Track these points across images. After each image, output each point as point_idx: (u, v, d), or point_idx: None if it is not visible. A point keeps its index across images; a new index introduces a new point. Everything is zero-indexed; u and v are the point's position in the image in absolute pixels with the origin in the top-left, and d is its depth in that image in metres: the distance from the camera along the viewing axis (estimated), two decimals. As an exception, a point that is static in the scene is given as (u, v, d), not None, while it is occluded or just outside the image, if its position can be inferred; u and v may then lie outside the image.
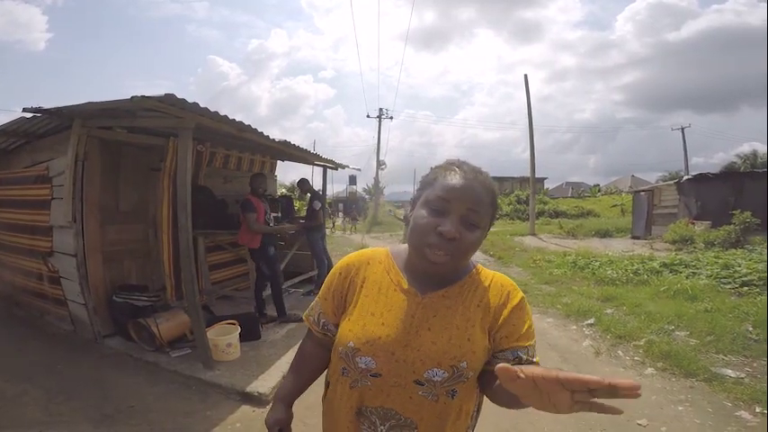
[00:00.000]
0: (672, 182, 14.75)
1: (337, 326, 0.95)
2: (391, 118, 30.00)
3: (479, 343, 0.85)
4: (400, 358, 0.84)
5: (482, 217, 0.84)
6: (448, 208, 0.82)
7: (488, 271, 0.95)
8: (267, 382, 3.07)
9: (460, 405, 0.87)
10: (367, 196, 36.48)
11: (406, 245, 0.94)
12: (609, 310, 4.92)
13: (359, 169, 8.88)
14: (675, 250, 9.52)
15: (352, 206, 22.47)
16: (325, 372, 1.04)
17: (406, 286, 0.90)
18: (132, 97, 2.63)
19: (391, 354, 0.84)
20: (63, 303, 3.94)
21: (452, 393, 0.85)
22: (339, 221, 21.39)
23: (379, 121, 28.26)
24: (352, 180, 27.20)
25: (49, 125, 3.77)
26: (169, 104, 2.83)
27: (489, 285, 0.91)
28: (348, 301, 0.94)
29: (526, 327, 0.87)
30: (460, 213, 0.81)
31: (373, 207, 27.25)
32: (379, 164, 28.60)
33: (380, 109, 28.51)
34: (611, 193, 36.28)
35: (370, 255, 0.98)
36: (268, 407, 1.29)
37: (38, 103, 3.13)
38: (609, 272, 6.89)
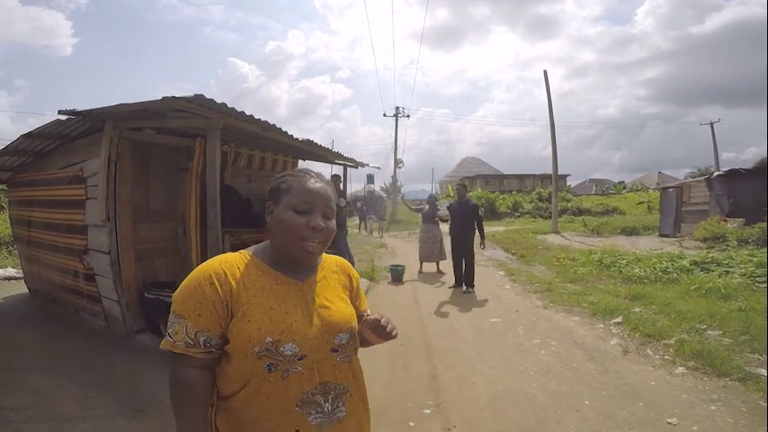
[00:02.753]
0: (702, 178, 14.27)
1: (222, 336, 0.95)
2: (408, 116, 29.98)
3: (352, 310, 1.08)
4: (312, 335, 0.96)
5: (333, 210, 1.03)
6: (312, 207, 0.98)
7: (327, 255, 1.14)
8: None
9: (358, 361, 1.09)
10: (384, 195, 36.50)
11: (262, 246, 1.06)
12: (637, 309, 4.80)
13: (378, 167, 8.91)
14: (707, 248, 9.20)
15: (377, 205, 22.24)
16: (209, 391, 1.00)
17: (285, 279, 1.01)
18: (163, 98, 2.71)
19: (305, 334, 0.95)
20: (97, 300, 4.08)
21: (354, 352, 1.07)
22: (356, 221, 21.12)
23: (396, 120, 28.30)
24: (370, 179, 27.17)
25: (82, 127, 3.91)
26: (198, 105, 2.91)
27: (338, 268, 1.13)
28: (234, 306, 0.94)
29: (363, 294, 1.22)
30: (321, 210, 0.99)
31: (391, 206, 27.25)
32: (397, 162, 28.60)
33: (397, 107, 28.52)
34: (638, 190, 35.33)
35: (227, 262, 0.98)
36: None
37: (67, 107, 3.26)
38: (636, 270, 6.72)
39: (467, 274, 6.35)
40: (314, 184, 1.01)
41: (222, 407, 0.98)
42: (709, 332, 3.92)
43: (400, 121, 28.40)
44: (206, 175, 3.40)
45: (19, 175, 5.31)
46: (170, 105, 2.82)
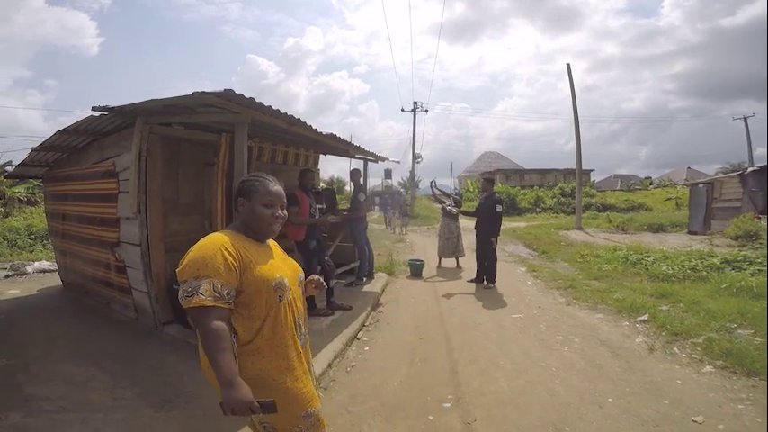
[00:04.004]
0: (734, 174, 13.76)
1: (236, 289, 1.30)
2: (426, 111, 29.62)
3: None
4: (289, 273, 1.47)
5: (285, 203, 1.50)
6: (274, 203, 1.45)
7: None
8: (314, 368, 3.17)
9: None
10: (402, 190, 36.40)
11: (233, 227, 1.45)
12: (664, 307, 4.69)
13: (398, 162, 8.88)
14: (738, 246, 8.89)
15: (399, 199, 21.97)
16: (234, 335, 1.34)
17: (259, 244, 1.46)
18: (193, 93, 2.78)
19: (287, 273, 1.46)
20: (128, 292, 4.22)
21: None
22: (376, 215, 20.81)
23: (414, 115, 28.05)
24: (388, 174, 27.12)
25: (114, 123, 4.05)
26: (227, 99, 2.97)
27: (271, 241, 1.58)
28: (245, 263, 1.33)
29: None
30: (279, 204, 1.47)
31: (409, 200, 27.18)
32: (415, 157, 28.46)
33: (415, 102, 28.27)
34: (665, 186, 34.29)
35: (227, 237, 1.36)
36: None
37: (98, 104, 3.38)
38: (664, 268, 6.55)
39: (488, 270, 6.30)
40: (273, 186, 1.47)
41: (244, 352, 1.33)
42: (739, 331, 3.80)
43: (418, 115, 28.19)
44: (233, 169, 3.47)
45: (54, 171, 5.53)
46: (200, 100, 2.89)
